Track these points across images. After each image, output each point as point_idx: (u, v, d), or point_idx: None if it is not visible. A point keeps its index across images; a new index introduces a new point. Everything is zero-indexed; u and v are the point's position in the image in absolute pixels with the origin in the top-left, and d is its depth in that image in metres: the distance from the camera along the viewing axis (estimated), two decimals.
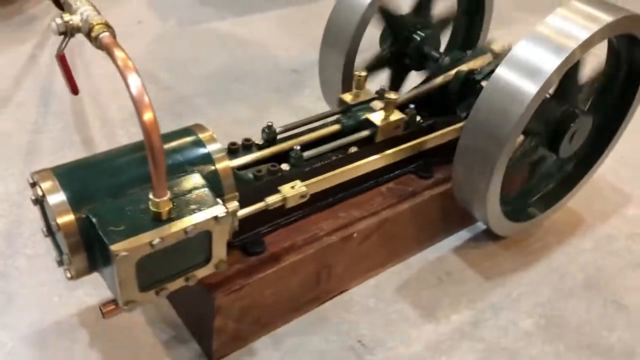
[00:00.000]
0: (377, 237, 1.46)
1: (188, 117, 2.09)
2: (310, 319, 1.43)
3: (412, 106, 1.49)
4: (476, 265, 1.60)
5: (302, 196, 1.26)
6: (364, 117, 1.44)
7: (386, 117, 1.43)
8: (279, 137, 1.39)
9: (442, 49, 1.83)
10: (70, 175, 1.06)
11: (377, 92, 1.56)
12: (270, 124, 1.37)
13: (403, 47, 1.74)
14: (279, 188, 1.25)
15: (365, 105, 1.48)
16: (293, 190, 1.24)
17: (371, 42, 1.76)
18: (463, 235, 1.69)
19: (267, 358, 1.34)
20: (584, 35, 1.29)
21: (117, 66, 0.96)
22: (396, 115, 1.44)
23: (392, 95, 1.41)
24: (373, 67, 1.75)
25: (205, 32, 2.61)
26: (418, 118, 1.51)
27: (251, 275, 1.28)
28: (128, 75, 0.95)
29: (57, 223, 1.01)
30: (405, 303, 1.49)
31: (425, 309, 1.48)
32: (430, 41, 1.74)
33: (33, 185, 1.07)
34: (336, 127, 1.42)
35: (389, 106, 1.43)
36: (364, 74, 1.51)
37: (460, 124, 1.49)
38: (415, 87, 1.65)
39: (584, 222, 1.77)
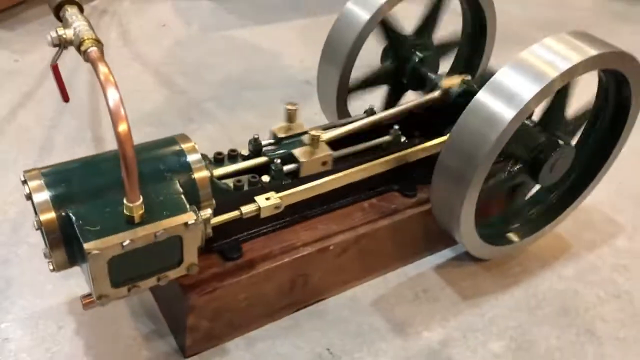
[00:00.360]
0: (354, 251, 1.52)
1: (198, 121, 2.18)
2: (284, 324, 1.50)
3: (396, 127, 1.54)
4: (454, 284, 1.64)
5: (277, 207, 1.33)
6: (290, 151, 1.44)
7: (311, 153, 1.44)
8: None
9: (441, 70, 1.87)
10: (56, 176, 1.15)
11: (365, 111, 1.62)
12: (256, 136, 1.45)
13: (401, 66, 1.79)
14: (255, 198, 1.32)
15: (295, 140, 1.48)
16: (268, 202, 1.32)
17: (370, 60, 1.81)
18: (446, 254, 1.72)
19: (237, 358, 1.41)
20: (565, 65, 1.32)
21: (99, 80, 1.05)
22: (322, 152, 1.44)
23: (316, 132, 1.43)
24: (371, 82, 1.80)
25: (225, 38, 2.71)
26: (403, 139, 1.55)
27: (226, 279, 1.35)
28: (108, 88, 1.03)
29: (39, 220, 1.10)
30: (379, 316, 1.53)
31: (398, 324, 1.52)
32: (429, 63, 1.78)
33: (24, 183, 1.16)
34: (264, 159, 1.43)
35: (314, 142, 1.43)
36: (294, 107, 1.51)
37: (431, 143, 1.54)
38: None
39: (569, 250, 1.78)
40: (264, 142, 1.46)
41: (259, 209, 1.31)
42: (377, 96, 1.86)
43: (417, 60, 1.77)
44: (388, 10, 1.71)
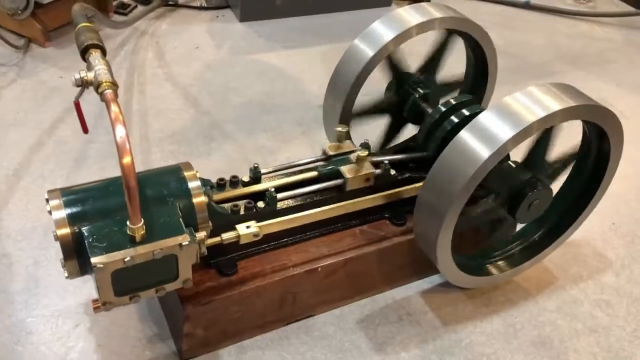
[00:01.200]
0: (342, 274, 1.65)
1: (218, 141, 2.36)
2: (274, 336, 1.64)
3: (386, 161, 1.67)
4: (437, 310, 1.75)
5: (255, 235, 1.48)
6: (338, 167, 1.63)
7: (357, 170, 1.61)
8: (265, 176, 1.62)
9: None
10: (73, 197, 1.33)
11: (361, 145, 1.75)
12: (256, 165, 1.60)
13: (402, 100, 1.91)
14: (236, 226, 1.48)
15: (343, 157, 1.67)
16: (247, 230, 1.47)
17: (374, 93, 1.95)
18: (434, 279, 1.84)
19: None
20: (543, 112, 1.42)
21: (110, 118, 1.22)
22: (367, 169, 1.62)
23: (362, 153, 1.60)
24: (373, 111, 1.93)
25: (251, 62, 2.88)
26: (392, 172, 1.68)
27: (219, 293, 1.51)
28: (116, 126, 1.20)
29: (56, 234, 1.29)
30: (361, 335, 1.66)
31: (378, 343, 1.65)
32: (429, 99, 1.90)
33: (47, 201, 1.35)
34: (314, 173, 1.62)
35: (360, 161, 1.61)
36: (345, 129, 1.70)
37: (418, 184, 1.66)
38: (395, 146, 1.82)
39: (555, 282, 1.86)
40: (263, 171, 1.61)
41: (239, 236, 1.47)
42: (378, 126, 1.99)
43: (417, 96, 1.89)
44: (393, 48, 1.84)
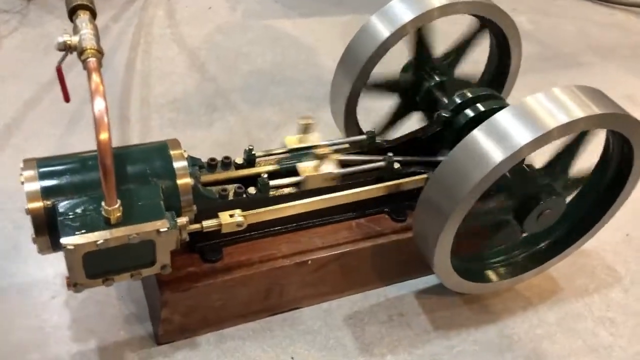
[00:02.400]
0: (334, 268, 1.56)
1: (221, 111, 2.25)
2: (257, 326, 1.57)
3: (390, 154, 1.56)
4: (431, 313, 1.66)
5: (239, 225, 1.38)
6: (296, 164, 1.50)
7: (316, 169, 1.49)
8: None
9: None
10: (49, 169, 1.25)
11: (366, 133, 1.64)
12: (251, 147, 1.50)
13: (419, 83, 1.78)
14: (219, 214, 1.37)
15: (304, 152, 1.54)
16: (230, 219, 1.37)
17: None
18: (431, 280, 1.74)
19: (205, 352, 1.50)
20: (565, 118, 1.30)
21: (90, 88, 1.13)
22: (328, 168, 1.49)
23: (322, 150, 1.49)
24: (383, 86, 1.81)
25: (265, 28, 2.75)
26: (397, 165, 1.57)
27: (201, 280, 1.43)
28: (95, 97, 1.11)
29: (27, 208, 1.21)
30: (348, 332, 1.58)
31: (365, 343, 1.57)
32: (445, 89, 1.77)
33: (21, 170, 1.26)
34: (276, 167, 1.51)
35: (322, 158, 1.49)
36: (311, 121, 1.56)
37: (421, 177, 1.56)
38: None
39: (558, 294, 1.76)
40: (258, 153, 1.51)
41: (220, 225, 1.37)
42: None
43: (433, 84, 1.77)
44: (411, 30, 1.71)
